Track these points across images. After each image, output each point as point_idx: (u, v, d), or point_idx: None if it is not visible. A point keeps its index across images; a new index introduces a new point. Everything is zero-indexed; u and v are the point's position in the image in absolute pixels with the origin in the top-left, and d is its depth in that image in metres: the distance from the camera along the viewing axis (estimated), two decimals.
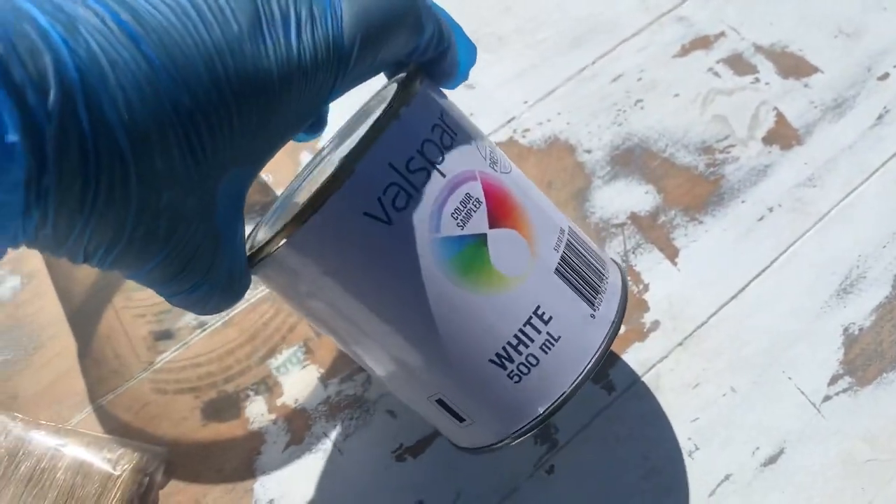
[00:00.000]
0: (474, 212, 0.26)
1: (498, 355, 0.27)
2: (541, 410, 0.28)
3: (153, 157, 0.20)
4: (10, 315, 0.38)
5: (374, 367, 0.29)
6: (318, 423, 0.36)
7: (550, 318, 0.27)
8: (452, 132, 0.27)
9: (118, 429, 0.35)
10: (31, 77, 0.18)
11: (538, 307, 0.27)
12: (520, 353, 0.27)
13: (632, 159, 0.43)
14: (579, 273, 0.29)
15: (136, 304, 0.38)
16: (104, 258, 0.21)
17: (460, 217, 0.26)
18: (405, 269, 0.26)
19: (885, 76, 0.46)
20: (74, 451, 0.33)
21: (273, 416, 0.36)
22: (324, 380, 0.37)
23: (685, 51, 0.47)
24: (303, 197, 0.29)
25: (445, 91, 0.29)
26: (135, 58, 0.19)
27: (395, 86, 0.27)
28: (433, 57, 0.27)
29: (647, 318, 0.38)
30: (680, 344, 0.38)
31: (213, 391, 0.36)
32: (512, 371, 0.27)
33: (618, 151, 0.43)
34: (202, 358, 0.37)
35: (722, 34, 0.47)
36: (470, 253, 0.26)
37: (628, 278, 0.32)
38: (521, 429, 0.29)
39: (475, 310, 0.26)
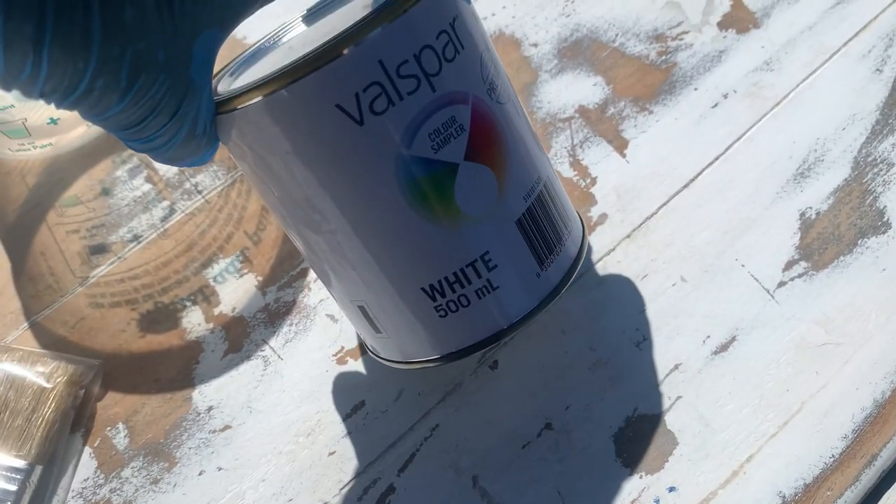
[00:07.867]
0: (454, 138, 0.24)
1: (431, 286, 0.26)
2: (450, 350, 0.27)
3: (123, 6, 0.19)
4: None
5: (308, 255, 0.28)
6: (256, 331, 0.35)
7: (495, 266, 0.26)
8: (460, 44, 0.25)
9: (54, 344, 0.35)
10: None
11: (487, 252, 0.26)
12: (454, 291, 0.26)
13: (580, 51, 0.41)
14: (540, 229, 0.27)
15: (70, 219, 0.37)
16: (60, 102, 0.20)
17: (438, 140, 0.24)
18: (363, 176, 0.24)
19: None
20: (7, 367, 0.33)
21: (211, 326, 0.35)
22: (262, 288, 0.36)
23: None
24: (275, 62, 0.26)
25: None
26: None
27: None
28: None
29: (595, 212, 0.37)
30: (628, 236, 0.37)
31: (149, 303, 0.36)
32: (440, 305, 0.26)
33: (565, 44, 0.41)
34: (138, 270, 0.36)
35: None
36: (435, 179, 0.25)
37: (588, 241, 0.30)
38: (426, 360, 0.28)
39: (422, 236, 0.25)
